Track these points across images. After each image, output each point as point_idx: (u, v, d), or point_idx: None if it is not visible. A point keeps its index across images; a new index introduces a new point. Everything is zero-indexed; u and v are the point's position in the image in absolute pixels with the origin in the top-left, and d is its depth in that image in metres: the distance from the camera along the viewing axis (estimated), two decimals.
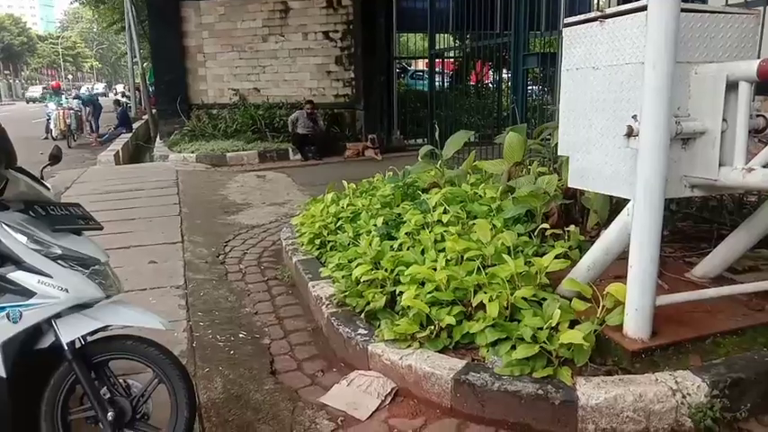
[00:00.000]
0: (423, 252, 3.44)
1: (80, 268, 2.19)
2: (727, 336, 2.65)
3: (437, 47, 9.90)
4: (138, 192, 8.09)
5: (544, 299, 2.81)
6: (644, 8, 2.36)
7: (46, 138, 16.50)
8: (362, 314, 3.19)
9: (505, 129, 5.27)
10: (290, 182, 8.92)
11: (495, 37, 8.18)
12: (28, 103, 48.65)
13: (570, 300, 2.77)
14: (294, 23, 12.53)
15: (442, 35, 10.10)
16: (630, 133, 2.42)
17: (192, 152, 11.24)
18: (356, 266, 3.43)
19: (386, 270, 3.31)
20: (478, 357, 2.69)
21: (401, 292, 3.06)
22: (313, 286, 3.73)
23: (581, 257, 2.99)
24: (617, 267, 2.88)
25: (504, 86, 10.26)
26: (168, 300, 4.07)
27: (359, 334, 3.02)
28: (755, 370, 2.37)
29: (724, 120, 2.44)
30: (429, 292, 2.92)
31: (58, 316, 2.11)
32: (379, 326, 3.01)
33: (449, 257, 3.20)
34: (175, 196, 7.72)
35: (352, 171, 8.43)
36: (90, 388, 2.14)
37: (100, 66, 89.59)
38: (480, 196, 4.18)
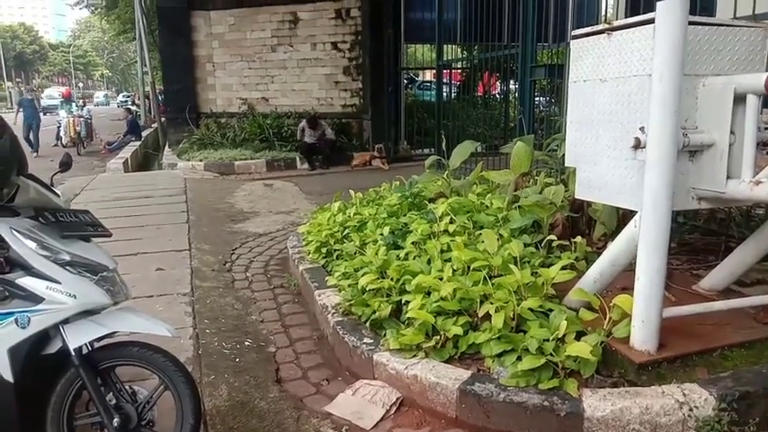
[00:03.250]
0: (429, 262, 3.44)
1: (88, 275, 2.21)
2: (734, 349, 2.63)
3: (445, 58, 9.93)
4: (147, 199, 8.13)
5: (551, 310, 2.81)
6: (651, 21, 2.37)
7: (56, 145, 16.64)
8: (368, 323, 3.19)
9: (512, 139, 5.28)
10: (297, 191, 8.95)
11: (503, 48, 8.20)
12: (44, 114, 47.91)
13: (577, 311, 2.76)
14: (303, 34, 12.62)
15: (449, 46, 10.12)
16: (638, 145, 2.42)
17: (201, 160, 11.31)
18: (362, 275, 3.43)
19: (392, 279, 3.31)
20: (484, 368, 2.68)
21: (407, 302, 3.06)
22: (319, 295, 3.73)
23: (588, 269, 2.98)
24: (624, 279, 2.88)
25: (511, 97, 10.28)
26: (175, 307, 4.08)
27: (364, 343, 3.02)
28: (763, 383, 2.35)
29: (732, 132, 2.43)
30: (435, 302, 2.92)
31: (65, 322, 2.13)
32: (385, 335, 3.01)
33: (455, 267, 3.20)
34: (183, 204, 7.76)
35: (359, 180, 8.45)
36: (96, 394, 2.15)
37: (110, 74, 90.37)
38: (487, 206, 4.18)
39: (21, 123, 16.09)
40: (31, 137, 15.65)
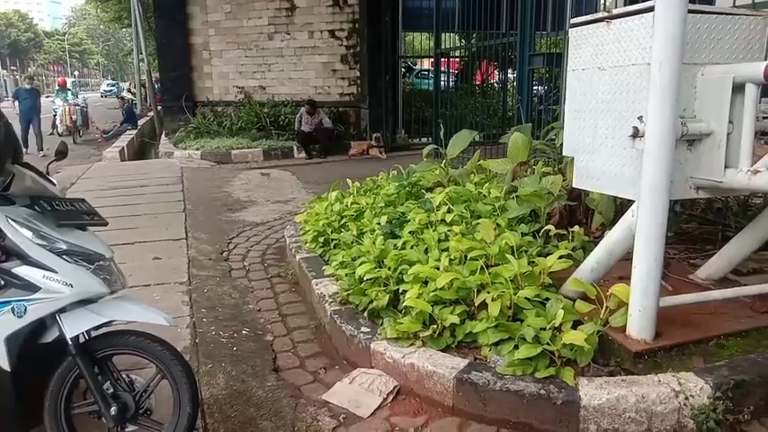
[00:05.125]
0: (426, 251, 3.44)
1: (85, 263, 2.20)
2: (730, 338, 2.64)
3: (443, 46, 9.88)
4: (143, 188, 8.11)
5: (547, 299, 2.81)
6: (651, 9, 2.35)
7: (52, 133, 16.55)
8: (365, 312, 3.19)
9: (510, 128, 5.26)
10: (294, 180, 8.93)
11: (501, 37, 8.17)
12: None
13: (574, 300, 2.77)
14: (300, 22, 12.54)
15: (447, 34, 10.07)
16: (636, 134, 2.42)
17: (197, 149, 11.26)
18: (360, 265, 3.43)
19: (389, 269, 3.31)
20: (481, 357, 2.69)
21: (404, 291, 3.06)
22: (316, 284, 3.74)
23: (585, 258, 2.99)
24: (621, 268, 2.88)
25: (509, 86, 10.24)
26: (172, 296, 4.08)
27: (362, 332, 3.03)
28: (759, 372, 2.37)
29: (730, 122, 2.43)
30: (432, 291, 2.92)
31: (62, 311, 2.13)
32: (382, 324, 3.02)
33: (452, 257, 3.20)
34: (180, 193, 7.74)
35: (356, 169, 8.43)
36: (93, 382, 2.15)
37: (106, 62, 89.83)
38: (484, 196, 4.18)
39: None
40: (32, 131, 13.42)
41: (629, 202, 2.67)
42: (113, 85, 44.90)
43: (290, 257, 4.69)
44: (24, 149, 12.13)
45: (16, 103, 13.72)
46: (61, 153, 2.62)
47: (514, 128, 4.80)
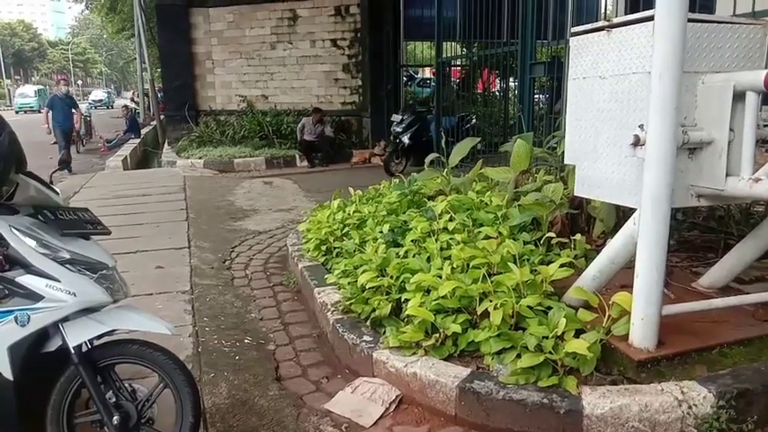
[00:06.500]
0: (428, 259, 3.44)
1: (88, 272, 2.21)
2: (733, 346, 2.63)
3: (444, 55, 9.92)
4: (146, 197, 8.13)
5: (550, 307, 2.81)
6: (651, 18, 2.36)
7: (55, 142, 16.60)
8: (368, 321, 3.19)
9: (512, 137, 5.27)
10: (296, 188, 8.95)
11: (503, 45, 8.20)
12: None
13: (576, 309, 2.77)
14: (302, 31, 12.61)
15: (449, 43, 10.11)
16: (637, 143, 2.42)
17: (200, 158, 11.31)
18: (362, 273, 3.43)
19: (391, 277, 3.31)
20: (483, 366, 2.68)
21: (406, 300, 3.06)
22: (318, 293, 3.74)
23: (587, 266, 2.98)
24: (623, 276, 2.88)
25: (510, 95, 10.28)
26: (174, 305, 4.08)
27: (364, 341, 3.02)
28: (762, 381, 2.36)
29: (731, 130, 2.43)
30: (434, 300, 2.92)
31: (65, 320, 2.13)
32: (385, 333, 3.01)
33: (454, 265, 3.20)
34: (183, 202, 7.75)
35: (358, 178, 8.45)
36: (96, 392, 2.15)
37: (109, 71, 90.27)
38: (486, 204, 4.18)
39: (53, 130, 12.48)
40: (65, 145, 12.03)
41: (631, 210, 2.67)
42: (107, 92, 43.21)
43: (293, 266, 4.69)
44: (68, 171, 10.93)
45: (50, 114, 12.28)
46: (64, 162, 2.64)
47: (516, 136, 4.81)
